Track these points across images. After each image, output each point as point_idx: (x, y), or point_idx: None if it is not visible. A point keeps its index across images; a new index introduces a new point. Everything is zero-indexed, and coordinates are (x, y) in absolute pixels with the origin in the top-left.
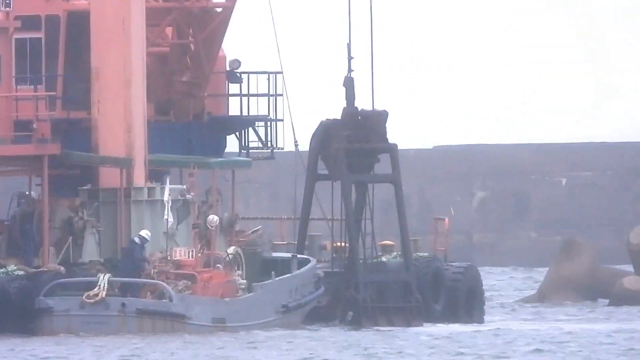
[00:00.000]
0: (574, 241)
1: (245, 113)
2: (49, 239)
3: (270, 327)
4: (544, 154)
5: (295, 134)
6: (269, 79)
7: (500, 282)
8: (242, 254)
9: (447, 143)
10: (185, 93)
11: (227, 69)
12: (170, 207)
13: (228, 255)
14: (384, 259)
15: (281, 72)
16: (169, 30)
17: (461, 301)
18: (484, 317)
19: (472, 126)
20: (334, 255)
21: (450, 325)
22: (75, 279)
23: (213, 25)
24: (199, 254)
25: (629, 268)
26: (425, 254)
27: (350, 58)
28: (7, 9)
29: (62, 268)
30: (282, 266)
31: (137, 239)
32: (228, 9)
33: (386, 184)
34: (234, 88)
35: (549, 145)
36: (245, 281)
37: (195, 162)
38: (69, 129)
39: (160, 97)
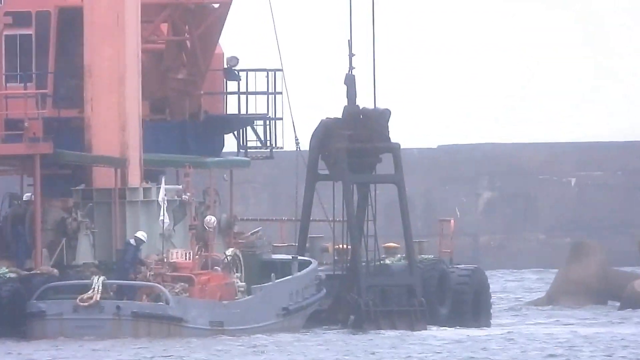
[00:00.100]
0: (584, 243)
1: (243, 111)
2: (42, 240)
3: (271, 330)
4: (552, 153)
5: (296, 132)
6: (268, 77)
7: (508, 285)
8: (240, 256)
9: (452, 142)
10: (181, 91)
11: (225, 66)
12: (166, 208)
13: (226, 257)
14: (387, 261)
15: (281, 70)
16: (164, 27)
17: (467, 305)
18: (491, 321)
19: (477, 125)
20: (335, 257)
21: (460, 329)
22: (68, 281)
23: (209, 21)
24: (197, 256)
25: None
26: (430, 257)
27: (351, 55)
28: None
29: (55, 270)
30: (282, 268)
31: (132, 241)
32: (225, 5)
33: (389, 185)
34: (231, 86)
35: (557, 144)
36: (244, 284)
37: (192, 161)
38: (59, 128)
39: (155, 95)
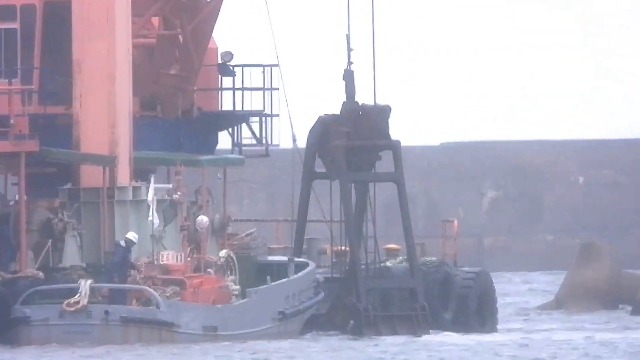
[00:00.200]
0: (593, 244)
1: (238, 108)
2: (27, 242)
3: (266, 336)
4: (559, 150)
5: (293, 129)
6: (263, 72)
7: (514, 289)
8: (234, 258)
9: (455, 139)
10: (173, 87)
11: (219, 61)
12: (156, 208)
13: (220, 259)
14: (388, 264)
15: (277, 65)
16: (155, 20)
17: (472, 309)
18: (498, 326)
19: (481, 121)
20: (334, 260)
21: (467, 335)
22: (54, 285)
23: (202, 15)
24: (188, 258)
25: None
26: (433, 259)
27: (349, 49)
28: None
29: (41, 273)
30: (279, 270)
31: (122, 242)
32: None
33: (389, 184)
34: (226, 82)
35: (564, 141)
36: (238, 287)
37: (184, 159)
38: (45, 125)
39: (146, 91)
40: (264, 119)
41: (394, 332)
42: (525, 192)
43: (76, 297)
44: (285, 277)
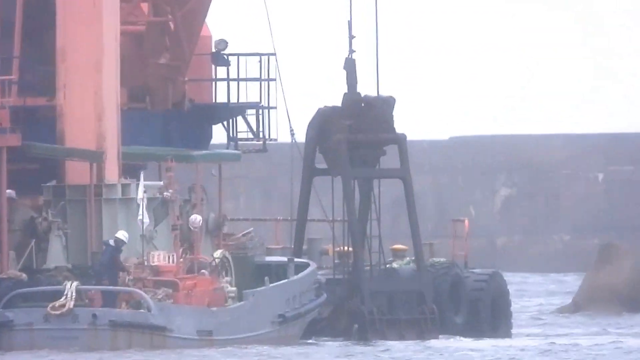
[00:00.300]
0: (613, 245)
1: (233, 100)
2: (9, 242)
3: (265, 341)
4: (577, 145)
5: (291, 122)
6: (260, 62)
7: (529, 292)
8: (230, 258)
9: (465, 133)
10: (164, 77)
11: (213, 50)
12: (146, 206)
13: (214, 259)
14: (394, 265)
15: (274, 54)
16: (144, 6)
17: (484, 313)
18: (512, 331)
19: (493, 114)
20: (336, 261)
21: (482, 340)
22: (38, 287)
23: (194, 1)
24: (181, 259)
25: None
26: (442, 260)
27: (351, 37)
28: None
29: (24, 275)
30: (278, 271)
31: (111, 242)
32: None
33: (395, 181)
34: (220, 72)
35: (583, 135)
36: (234, 289)
37: (176, 155)
38: (25, 118)
39: (134, 81)
40: (261, 111)
41: (401, 338)
42: (540, 190)
43: (62, 300)
44: (284, 279)
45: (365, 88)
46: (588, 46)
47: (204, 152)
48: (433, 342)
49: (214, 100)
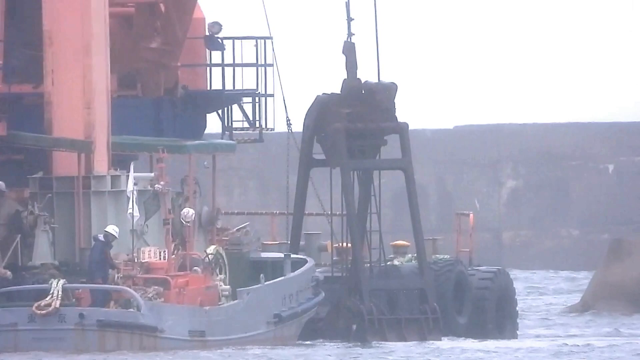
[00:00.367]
0: (625, 240)
1: (228, 87)
2: None
3: (260, 341)
4: (587, 135)
5: (288, 111)
6: (256, 46)
7: (536, 289)
8: (224, 255)
9: (470, 122)
10: (155, 62)
11: (206, 33)
12: (137, 199)
13: (207, 256)
14: (395, 262)
15: (270, 38)
16: None
17: (490, 313)
18: (518, 331)
19: (499, 102)
20: (335, 257)
21: (490, 341)
22: (23, 286)
23: None
24: (173, 255)
25: None
26: (446, 257)
27: (349, 19)
28: None
29: (9, 273)
30: (273, 268)
31: (101, 237)
32: None
33: (396, 172)
34: (215, 57)
35: (592, 124)
36: (228, 287)
37: (167, 145)
38: (12, 106)
39: (124, 67)
40: (257, 99)
41: (402, 338)
42: (548, 182)
43: (47, 299)
44: (280, 276)
45: (366, 74)
46: (598, 33)
47: (197, 142)
48: (436, 344)
49: (208, 87)
